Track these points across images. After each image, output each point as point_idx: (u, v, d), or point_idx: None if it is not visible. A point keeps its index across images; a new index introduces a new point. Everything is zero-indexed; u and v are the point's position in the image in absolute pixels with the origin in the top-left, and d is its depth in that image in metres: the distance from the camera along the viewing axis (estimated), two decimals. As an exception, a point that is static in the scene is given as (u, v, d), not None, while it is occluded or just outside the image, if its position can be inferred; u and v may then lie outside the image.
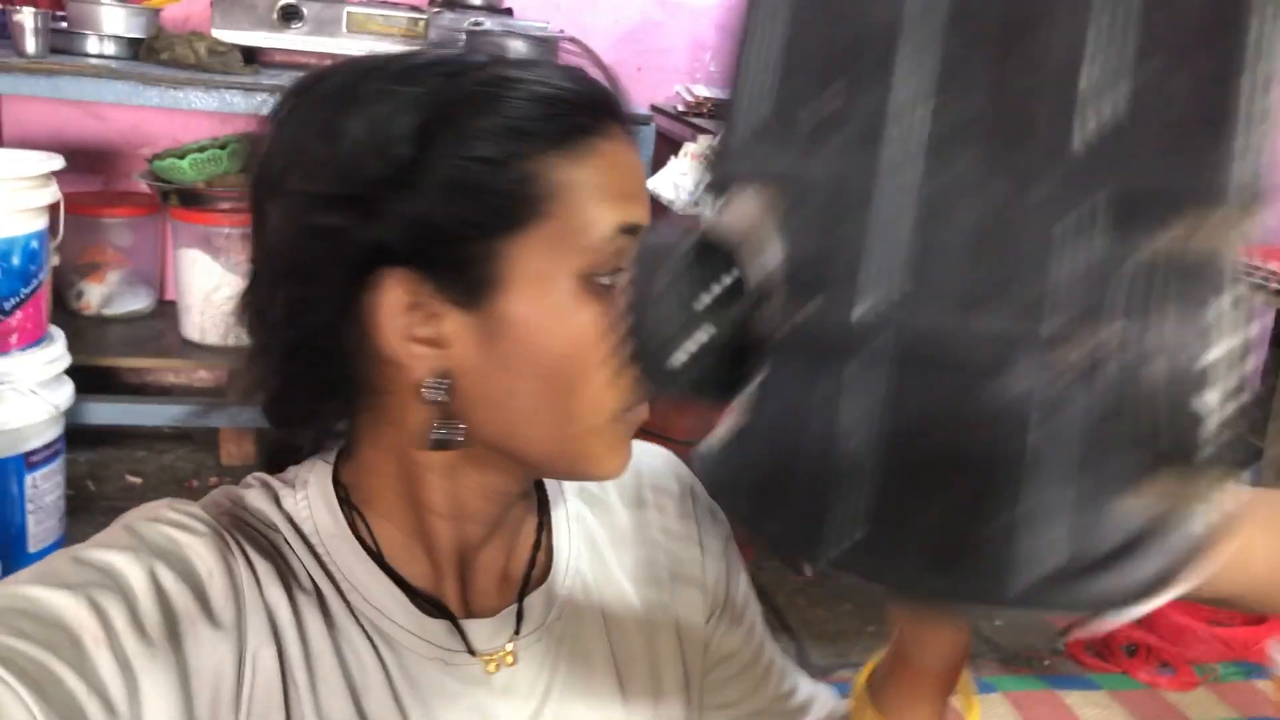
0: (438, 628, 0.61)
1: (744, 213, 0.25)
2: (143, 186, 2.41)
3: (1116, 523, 0.21)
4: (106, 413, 2.20)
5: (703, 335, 0.24)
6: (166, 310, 2.50)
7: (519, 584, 0.66)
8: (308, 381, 0.60)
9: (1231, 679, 2.01)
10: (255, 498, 0.61)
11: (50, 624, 0.49)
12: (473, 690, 0.61)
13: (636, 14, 2.62)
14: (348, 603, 0.59)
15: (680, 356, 0.24)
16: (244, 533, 0.58)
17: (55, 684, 0.47)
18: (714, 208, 0.25)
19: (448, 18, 2.36)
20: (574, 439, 0.57)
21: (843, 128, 0.25)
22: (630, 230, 0.55)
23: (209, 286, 2.31)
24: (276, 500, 0.61)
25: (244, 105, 2.04)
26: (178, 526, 0.56)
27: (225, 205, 2.31)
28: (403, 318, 0.55)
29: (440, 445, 0.58)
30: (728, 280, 0.25)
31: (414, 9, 2.35)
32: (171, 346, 2.37)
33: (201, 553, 0.55)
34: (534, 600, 0.65)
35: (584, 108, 0.57)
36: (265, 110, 0.59)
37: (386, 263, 0.54)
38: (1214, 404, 0.19)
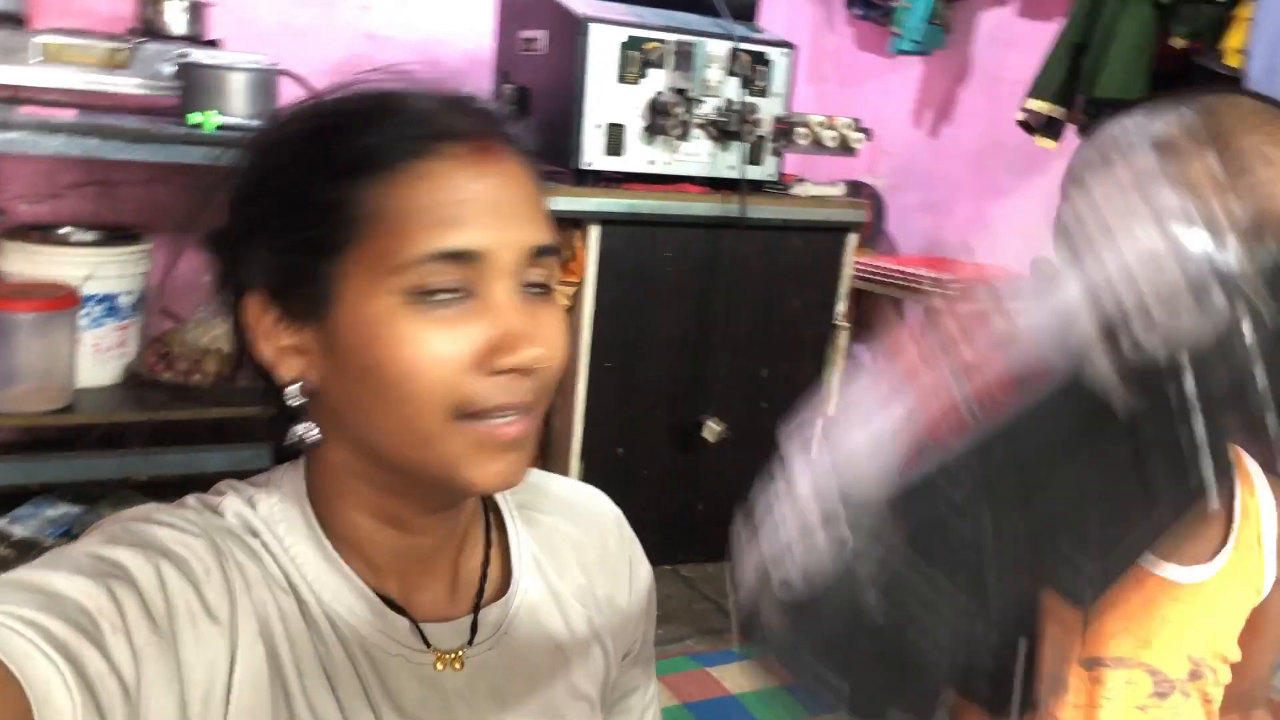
0: (400, 626, 0.64)
1: None
2: None
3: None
4: None
5: None
6: None
7: (473, 596, 0.69)
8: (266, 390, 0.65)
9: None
10: (231, 504, 0.63)
11: (75, 608, 0.51)
12: (430, 688, 0.65)
13: (343, 48, 2.64)
14: (319, 600, 0.62)
15: None
16: (227, 537, 0.61)
17: (83, 663, 0.49)
18: None
19: (152, 48, 2.26)
20: (417, 445, 0.59)
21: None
22: (448, 256, 0.58)
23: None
24: (251, 503, 0.63)
25: (-65, 141, 1.85)
26: (173, 528, 0.59)
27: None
28: (271, 329, 0.62)
29: (299, 447, 0.64)
30: None
31: (113, 38, 2.23)
32: None
33: (199, 552, 0.58)
34: (488, 614, 0.68)
35: (400, 133, 0.59)
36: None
37: (247, 287, 0.63)
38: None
